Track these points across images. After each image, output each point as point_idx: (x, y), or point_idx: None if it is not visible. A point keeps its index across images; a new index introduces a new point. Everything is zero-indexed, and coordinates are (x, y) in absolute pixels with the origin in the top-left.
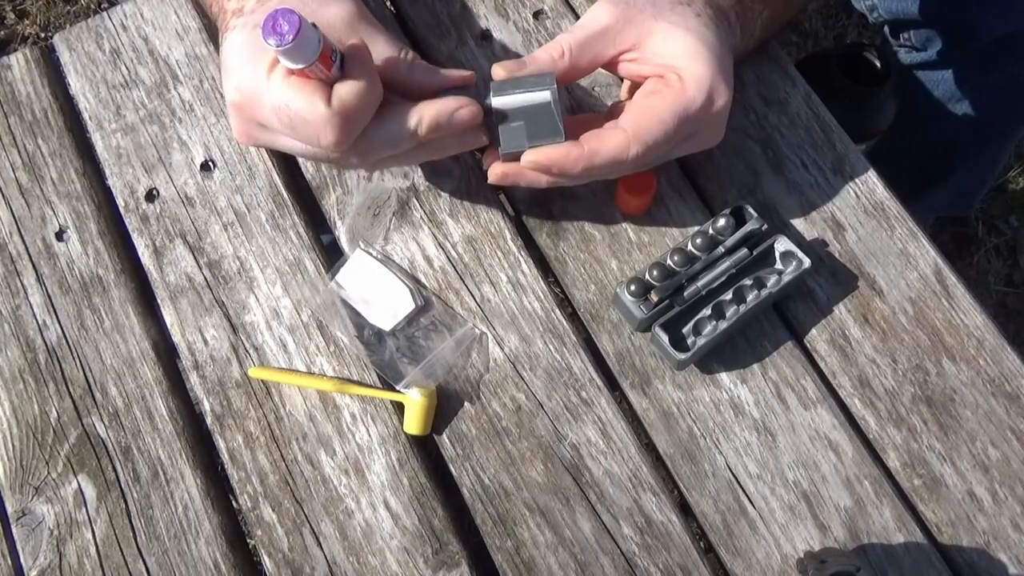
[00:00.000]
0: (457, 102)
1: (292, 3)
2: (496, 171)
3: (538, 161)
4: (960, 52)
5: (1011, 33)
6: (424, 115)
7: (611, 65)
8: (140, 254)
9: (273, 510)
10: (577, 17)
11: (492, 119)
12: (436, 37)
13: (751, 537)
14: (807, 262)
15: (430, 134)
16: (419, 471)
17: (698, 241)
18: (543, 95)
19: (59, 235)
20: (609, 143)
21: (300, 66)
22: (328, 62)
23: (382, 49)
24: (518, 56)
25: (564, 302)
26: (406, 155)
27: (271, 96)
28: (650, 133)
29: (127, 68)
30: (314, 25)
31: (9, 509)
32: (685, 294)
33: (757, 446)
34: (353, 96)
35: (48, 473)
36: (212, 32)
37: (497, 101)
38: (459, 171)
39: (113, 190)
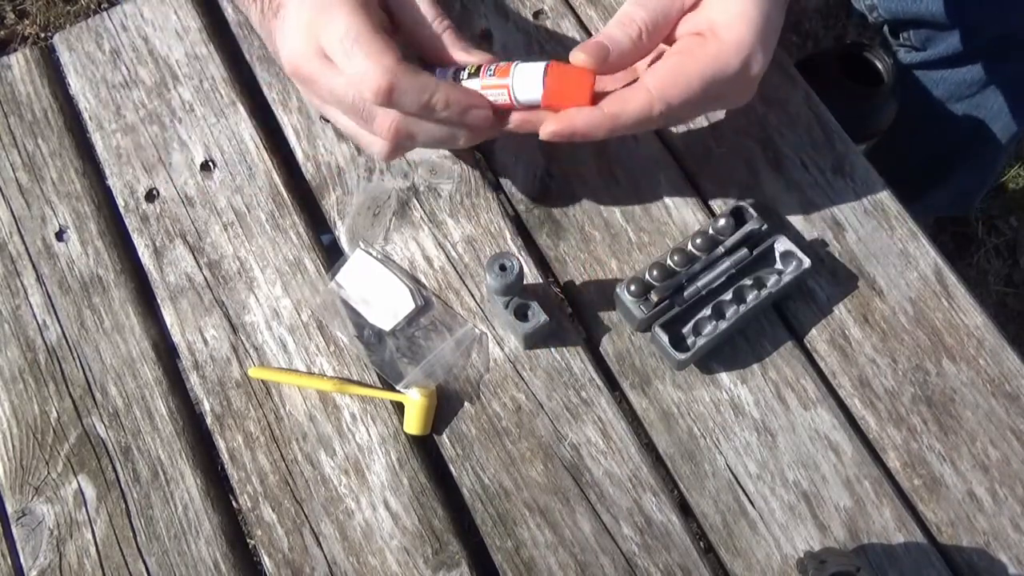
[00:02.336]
0: (476, 99)
1: None
2: (517, 119)
3: (559, 131)
4: (961, 52)
5: (1012, 32)
6: (441, 98)
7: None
8: (140, 254)
9: (273, 510)
10: (577, 17)
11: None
12: None
13: (751, 537)
14: (807, 262)
15: (441, 113)
16: (419, 471)
17: (698, 241)
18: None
19: (59, 235)
20: (632, 105)
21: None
22: None
23: (424, 11)
24: (518, 56)
25: (564, 302)
26: (420, 127)
27: (351, 23)
28: (676, 94)
29: (127, 68)
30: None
31: (9, 509)
32: (685, 294)
33: (757, 446)
34: (415, 88)
35: (48, 473)
36: (214, 31)
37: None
38: (459, 171)
39: (113, 190)
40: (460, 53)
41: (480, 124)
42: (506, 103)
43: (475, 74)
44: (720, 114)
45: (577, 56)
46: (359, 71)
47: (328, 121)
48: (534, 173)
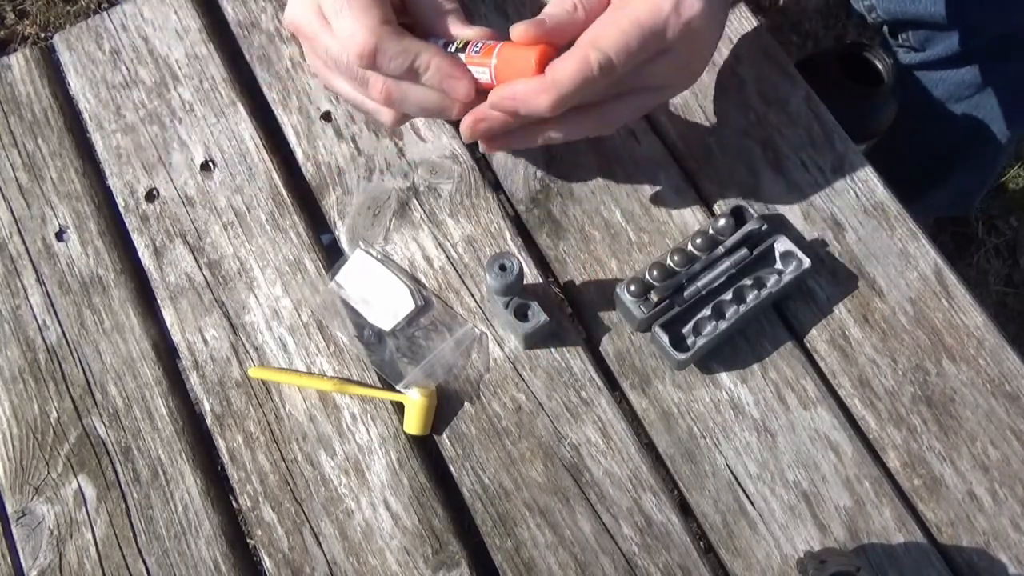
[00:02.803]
0: (459, 70)
1: None
2: (466, 121)
3: (502, 97)
4: (962, 52)
5: (1012, 32)
6: (425, 61)
7: None
8: (140, 254)
9: (273, 510)
10: None
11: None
12: None
13: (751, 537)
14: (807, 262)
15: (425, 78)
16: (419, 471)
17: (698, 241)
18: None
19: (59, 235)
20: (569, 63)
21: None
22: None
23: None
24: None
25: (564, 302)
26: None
27: None
28: (610, 43)
29: (127, 68)
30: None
31: (9, 509)
32: (685, 294)
33: (757, 446)
34: (400, 50)
35: (48, 473)
36: (214, 31)
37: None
38: (459, 171)
39: (113, 190)
40: (459, 26)
41: (460, 96)
42: (488, 83)
43: (462, 49)
44: (720, 114)
45: (515, 30)
46: (346, 32)
47: (336, 100)
48: (534, 173)
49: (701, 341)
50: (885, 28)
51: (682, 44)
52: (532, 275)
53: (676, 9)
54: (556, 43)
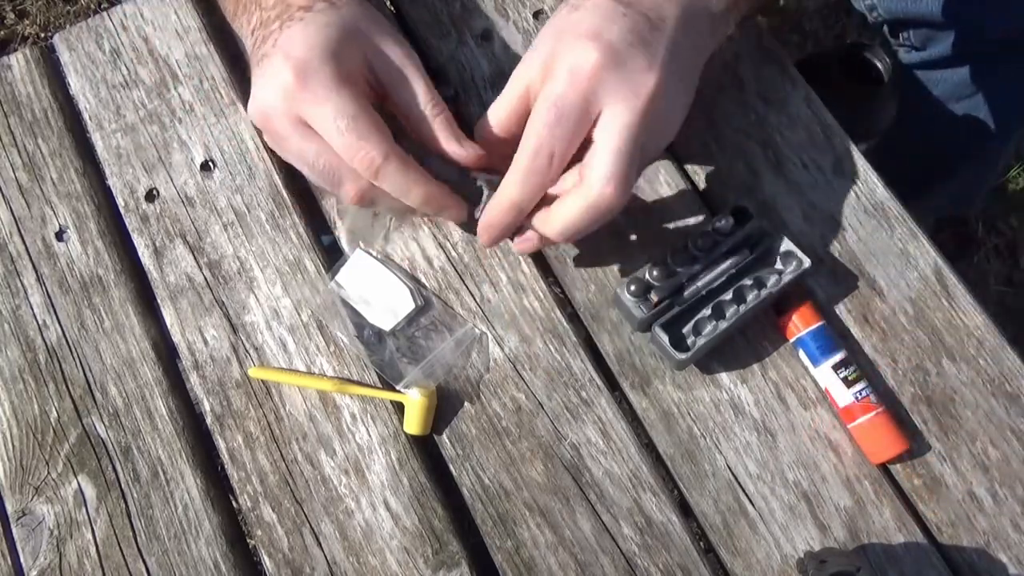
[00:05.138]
0: (451, 202)
1: (364, 24)
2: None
3: (481, 228)
4: (962, 51)
5: (1012, 32)
6: (422, 193)
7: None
8: (140, 254)
9: (273, 510)
10: None
11: (478, 189)
12: (436, 37)
13: (751, 537)
14: (807, 262)
15: (416, 206)
16: (419, 471)
17: (698, 241)
18: None
19: (59, 235)
20: (511, 174)
21: None
22: None
23: (419, 93)
24: (517, 56)
25: (564, 302)
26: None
27: (340, 99)
28: (532, 138)
29: (127, 68)
30: None
31: (9, 509)
32: (685, 294)
33: (757, 446)
34: (398, 179)
35: (48, 473)
36: (214, 31)
37: (484, 176)
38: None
39: (113, 190)
40: (453, 144)
41: (452, 219)
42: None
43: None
44: (720, 114)
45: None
46: (351, 147)
47: None
48: None
49: (701, 341)
50: (886, 27)
51: (595, 92)
52: (532, 274)
53: (547, 70)
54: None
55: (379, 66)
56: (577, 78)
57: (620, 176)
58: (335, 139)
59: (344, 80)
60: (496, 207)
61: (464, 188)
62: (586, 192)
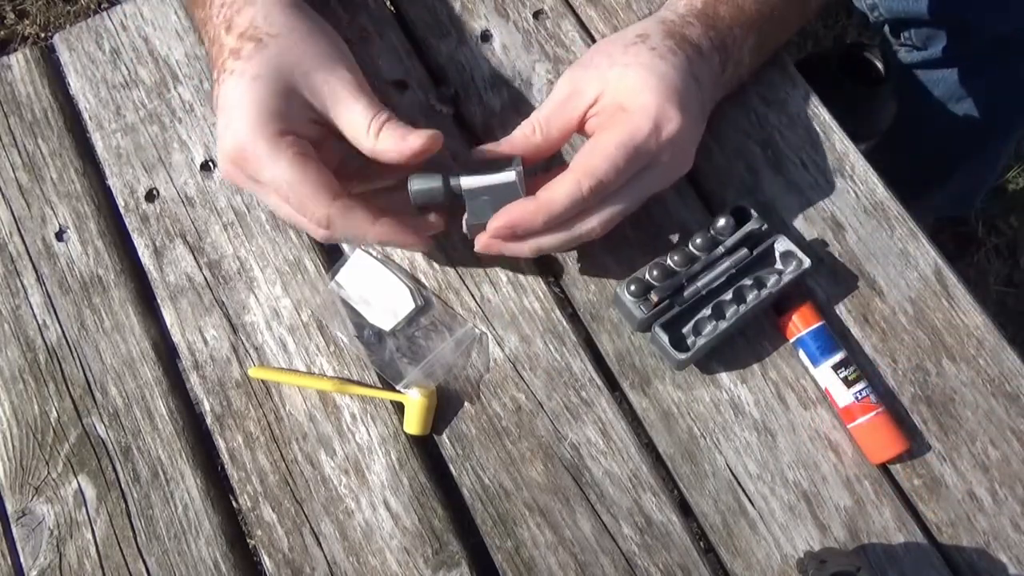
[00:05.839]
0: (409, 237)
1: (294, 57)
2: (481, 241)
3: (499, 226)
4: (962, 51)
5: (1012, 32)
6: (378, 233)
7: (581, 128)
8: (140, 254)
9: (273, 510)
10: (577, 17)
11: (461, 197)
12: (436, 37)
13: (751, 537)
14: (807, 262)
15: (381, 240)
16: (419, 471)
17: (698, 241)
18: (508, 175)
19: (59, 235)
20: (560, 187)
21: None
22: None
23: (358, 115)
24: (517, 56)
25: (564, 302)
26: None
27: (277, 170)
28: (597, 167)
29: (127, 68)
30: None
31: (9, 509)
32: (685, 294)
33: (757, 446)
34: (349, 228)
35: (48, 473)
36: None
37: (466, 181)
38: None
39: (113, 190)
40: (403, 144)
41: (417, 250)
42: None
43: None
44: (720, 114)
45: (475, 152)
46: (299, 210)
47: None
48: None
49: (701, 341)
50: (887, 27)
51: (666, 156)
52: (532, 274)
53: (657, 128)
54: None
55: (314, 101)
56: (661, 133)
57: (630, 207)
58: (281, 207)
59: (278, 145)
60: (531, 211)
61: (451, 200)
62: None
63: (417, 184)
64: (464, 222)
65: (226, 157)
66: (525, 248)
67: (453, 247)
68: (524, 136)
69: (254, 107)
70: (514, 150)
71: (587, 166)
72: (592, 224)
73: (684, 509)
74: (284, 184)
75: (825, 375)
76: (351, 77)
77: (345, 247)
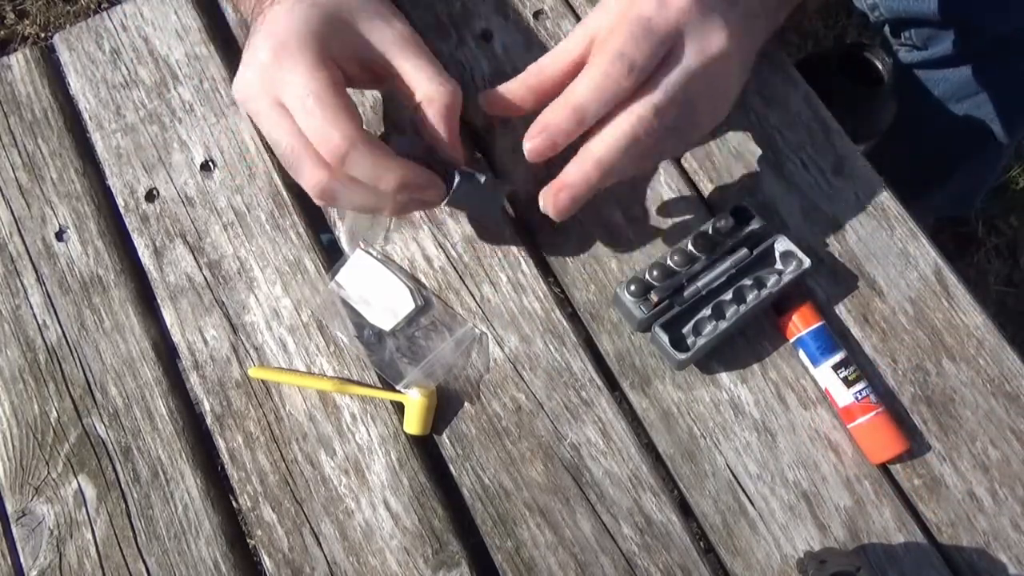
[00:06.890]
0: (428, 181)
1: (335, 20)
2: (533, 147)
3: (531, 132)
4: (963, 51)
5: (1013, 32)
6: (393, 179)
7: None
8: (140, 254)
9: (273, 510)
10: (577, 17)
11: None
12: (436, 37)
13: (751, 537)
14: (807, 262)
15: (391, 191)
16: (419, 471)
17: (698, 241)
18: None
19: (59, 235)
20: (579, 76)
21: None
22: None
23: (424, 79)
24: (517, 56)
25: (564, 302)
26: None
27: (309, 78)
28: (609, 43)
29: (127, 68)
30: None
31: (9, 509)
32: (685, 294)
33: (757, 446)
34: (366, 163)
35: (48, 473)
36: (214, 31)
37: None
38: None
39: (113, 190)
40: (448, 145)
41: (429, 201)
42: None
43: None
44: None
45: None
46: (317, 130)
47: None
48: (534, 172)
49: (701, 341)
50: (887, 27)
51: (692, 55)
52: (531, 274)
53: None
54: (539, 93)
55: (371, 39)
56: (668, 6)
57: (664, 105)
58: (301, 119)
59: (319, 62)
60: (557, 108)
61: (430, 156)
62: (633, 113)
63: (404, 146)
64: (448, 198)
65: (257, 64)
66: (588, 169)
67: (453, 247)
68: (513, 92)
69: (306, 24)
70: (524, 83)
71: (600, 49)
72: (634, 118)
73: (684, 509)
74: (311, 97)
75: (825, 375)
76: (404, 38)
77: (345, 247)
